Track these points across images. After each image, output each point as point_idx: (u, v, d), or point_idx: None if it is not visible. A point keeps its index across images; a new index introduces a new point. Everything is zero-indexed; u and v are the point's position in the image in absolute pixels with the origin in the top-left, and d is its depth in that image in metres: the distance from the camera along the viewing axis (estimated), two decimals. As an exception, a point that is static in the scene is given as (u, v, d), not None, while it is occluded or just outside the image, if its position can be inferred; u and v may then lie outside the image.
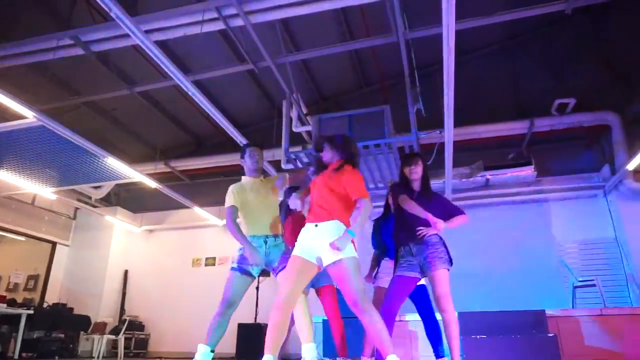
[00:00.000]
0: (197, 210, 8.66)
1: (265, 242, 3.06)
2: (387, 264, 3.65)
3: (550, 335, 4.77)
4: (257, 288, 7.75)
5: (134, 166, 6.88)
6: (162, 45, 5.53)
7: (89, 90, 7.44)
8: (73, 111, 7.72)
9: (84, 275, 9.25)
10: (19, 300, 8.10)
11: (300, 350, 3.07)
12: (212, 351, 2.87)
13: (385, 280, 3.50)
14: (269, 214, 3.18)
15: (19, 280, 9.11)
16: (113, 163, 6.36)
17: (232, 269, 3.00)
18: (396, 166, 6.31)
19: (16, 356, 6.97)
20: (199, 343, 2.87)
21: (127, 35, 4.67)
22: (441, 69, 4.23)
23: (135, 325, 8.74)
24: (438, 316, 3.16)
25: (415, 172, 3.25)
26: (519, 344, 4.72)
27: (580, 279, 6.49)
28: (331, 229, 2.60)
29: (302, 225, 3.41)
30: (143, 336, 8.86)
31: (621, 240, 6.98)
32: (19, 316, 7.12)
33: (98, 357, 7.54)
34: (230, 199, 3.10)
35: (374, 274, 3.74)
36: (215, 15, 4.97)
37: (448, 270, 2.99)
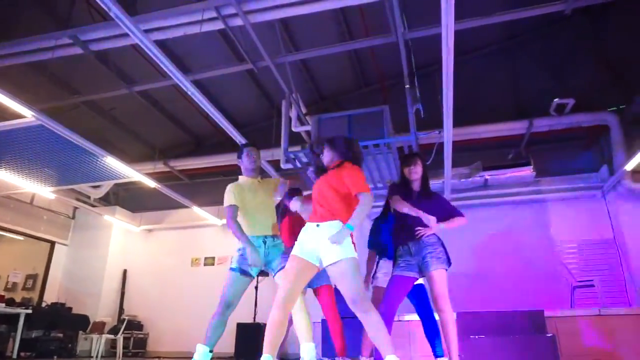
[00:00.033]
0: (196, 209, 8.65)
1: (265, 243, 3.06)
2: (385, 264, 3.66)
3: (549, 335, 4.77)
4: (256, 288, 7.74)
5: (133, 166, 6.87)
6: (162, 44, 5.53)
7: (88, 90, 7.43)
8: (72, 110, 7.70)
9: (82, 274, 9.24)
10: (18, 300, 8.09)
11: (299, 350, 3.07)
12: (211, 351, 2.87)
13: (383, 280, 3.51)
14: (268, 214, 3.18)
15: (17, 279, 9.10)
16: (112, 162, 6.36)
17: (231, 269, 3.00)
18: (395, 166, 6.31)
19: (15, 356, 6.96)
20: (198, 343, 2.87)
21: (126, 35, 4.67)
22: (440, 69, 4.24)
23: (134, 325, 8.73)
24: (437, 316, 3.16)
25: (415, 172, 3.25)
26: (517, 344, 4.72)
27: (579, 280, 6.50)
28: (332, 229, 2.60)
29: (300, 226, 3.42)
30: (142, 336, 8.85)
31: (619, 241, 6.99)
32: (17, 316, 7.11)
33: (97, 356, 7.54)
34: (229, 198, 3.08)
35: (371, 274, 3.75)
36: (214, 14, 4.96)
37: (446, 270, 3.00)
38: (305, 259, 2.64)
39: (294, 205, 2.81)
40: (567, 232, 7.36)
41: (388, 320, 2.86)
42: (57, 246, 9.41)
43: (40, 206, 9.00)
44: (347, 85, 8.74)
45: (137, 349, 8.62)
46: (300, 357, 3.08)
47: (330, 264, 2.54)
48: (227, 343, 7.24)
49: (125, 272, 9.67)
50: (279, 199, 3.74)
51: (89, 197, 9.28)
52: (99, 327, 7.93)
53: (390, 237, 3.56)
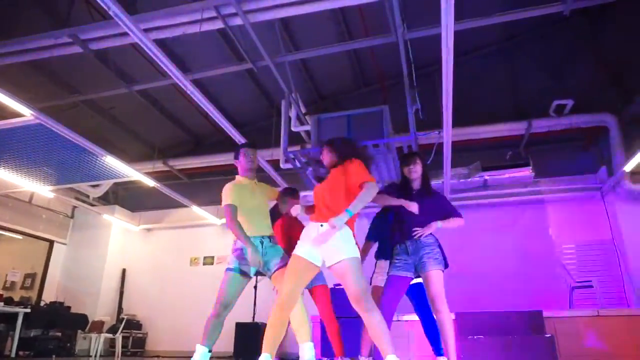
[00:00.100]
0: (196, 209, 8.65)
1: (262, 243, 3.06)
2: (383, 264, 3.66)
3: (548, 336, 4.78)
4: (255, 287, 7.75)
5: (132, 165, 6.86)
6: (161, 43, 5.52)
7: (87, 89, 7.43)
8: (71, 109, 7.70)
9: (81, 273, 9.24)
10: (16, 299, 8.07)
11: (297, 350, 3.07)
12: (210, 351, 2.87)
13: (382, 280, 3.51)
14: (264, 215, 3.19)
15: (16, 278, 9.08)
16: (111, 162, 6.35)
17: (229, 269, 2.98)
18: (395, 167, 6.31)
19: (13, 355, 6.96)
20: (197, 343, 2.87)
21: (125, 34, 4.66)
22: (440, 69, 4.24)
23: (133, 324, 8.73)
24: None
25: (415, 171, 3.26)
26: (516, 345, 4.73)
27: (578, 280, 6.51)
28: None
29: (293, 227, 3.43)
30: (140, 335, 8.85)
31: (618, 242, 7.00)
32: (16, 315, 7.11)
33: (95, 355, 7.53)
34: (228, 197, 3.07)
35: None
36: (214, 14, 4.96)
37: (443, 271, 3.00)
38: (307, 259, 2.64)
39: (295, 210, 2.80)
40: (566, 233, 7.38)
41: (387, 320, 2.86)
42: (56, 245, 9.40)
43: (39, 205, 8.99)
44: (346, 85, 8.75)
45: (135, 348, 8.62)
46: (299, 357, 3.08)
47: (334, 264, 2.55)
48: (226, 342, 7.24)
49: (124, 271, 9.66)
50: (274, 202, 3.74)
51: (88, 196, 9.28)
52: (98, 326, 7.92)
53: (386, 234, 3.58)
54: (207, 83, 7.48)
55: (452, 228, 3.19)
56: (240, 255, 2.97)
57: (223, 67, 6.83)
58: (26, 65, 6.29)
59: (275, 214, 3.83)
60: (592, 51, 7.50)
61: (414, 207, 3.08)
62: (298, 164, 6.53)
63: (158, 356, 8.36)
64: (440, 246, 3.09)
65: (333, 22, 6.81)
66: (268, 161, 7.08)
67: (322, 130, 6.14)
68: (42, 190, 7.63)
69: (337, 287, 5.98)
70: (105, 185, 8.77)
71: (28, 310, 7.36)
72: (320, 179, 2.97)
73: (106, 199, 9.98)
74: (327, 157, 2.93)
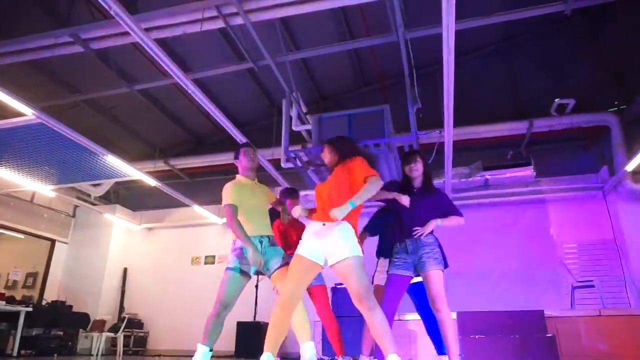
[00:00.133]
0: (197, 208, 8.66)
1: (261, 243, 3.06)
2: (384, 263, 3.66)
3: (549, 335, 4.78)
4: (257, 286, 7.76)
5: (133, 164, 6.88)
6: (162, 43, 5.51)
7: (88, 88, 7.44)
8: (72, 109, 7.71)
9: (83, 272, 9.25)
10: (18, 298, 8.10)
11: (298, 349, 3.07)
12: (211, 350, 2.88)
13: (382, 278, 3.51)
14: (264, 215, 3.18)
15: (17, 277, 9.11)
16: (112, 161, 6.36)
17: (229, 269, 2.97)
18: (396, 166, 6.31)
19: (15, 353, 6.97)
20: (198, 342, 2.87)
21: (126, 33, 4.67)
22: (441, 68, 4.23)
23: (134, 323, 8.75)
24: None
25: (416, 170, 3.26)
26: (517, 344, 4.73)
27: (579, 280, 6.50)
28: (339, 228, 2.62)
29: (291, 228, 3.43)
30: (142, 334, 8.87)
31: (620, 242, 6.99)
32: (17, 313, 7.12)
33: (97, 354, 7.55)
34: (228, 196, 3.06)
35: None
36: (215, 13, 4.97)
37: (442, 270, 2.99)
38: (309, 258, 2.65)
39: (296, 211, 2.79)
40: (567, 233, 7.37)
41: (388, 319, 2.87)
42: (57, 244, 9.42)
43: (41, 204, 9.01)
44: (347, 84, 8.74)
45: (137, 347, 8.64)
46: (300, 357, 3.08)
47: (337, 262, 2.56)
48: (228, 342, 7.27)
49: (125, 270, 9.68)
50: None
51: (89, 196, 9.29)
52: (99, 325, 7.94)
53: (386, 231, 3.59)
54: (208, 82, 7.49)
55: (453, 227, 3.18)
56: (240, 255, 2.97)
57: (224, 66, 6.83)
58: (27, 65, 6.30)
59: (273, 213, 3.83)
60: (593, 50, 7.49)
61: (405, 200, 3.08)
62: (299, 163, 6.53)
63: (159, 355, 8.37)
64: (440, 246, 3.09)
65: (334, 22, 6.80)
66: (269, 160, 7.09)
67: (323, 129, 6.14)
68: (43, 189, 7.65)
69: (338, 286, 6.00)
70: (107, 184, 8.77)
71: (30, 309, 7.38)
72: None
73: (107, 198, 9.99)
74: (327, 156, 2.93)
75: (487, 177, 7.23)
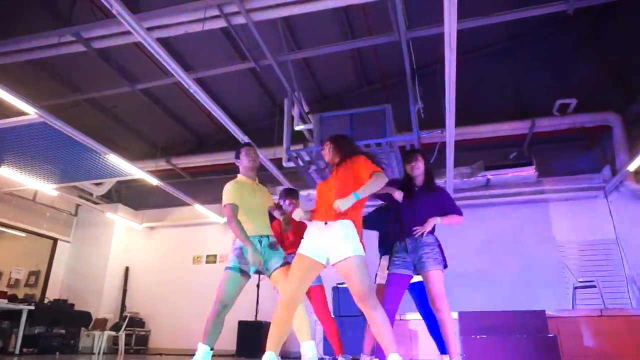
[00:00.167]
0: (198, 207, 8.67)
1: (260, 242, 3.06)
2: (385, 261, 3.66)
3: (550, 335, 4.77)
4: (258, 286, 7.76)
5: (135, 163, 6.88)
6: (164, 42, 5.53)
7: (90, 87, 7.45)
8: (74, 108, 7.73)
9: (85, 271, 9.27)
10: (20, 296, 8.11)
11: (299, 349, 3.08)
12: (212, 349, 2.88)
13: (384, 277, 3.51)
14: (263, 214, 3.18)
15: (20, 276, 9.13)
16: (114, 160, 6.37)
17: (228, 268, 2.98)
18: (397, 165, 6.31)
19: (17, 351, 7.00)
20: (199, 341, 2.87)
21: (128, 32, 4.67)
22: (442, 68, 4.23)
23: (136, 322, 8.77)
24: None
25: (417, 168, 3.26)
26: (518, 344, 4.72)
27: (580, 280, 6.49)
28: (342, 227, 2.63)
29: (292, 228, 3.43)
30: (144, 333, 8.89)
31: (621, 241, 6.98)
32: (20, 312, 7.15)
33: (99, 353, 7.58)
34: (229, 196, 3.06)
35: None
36: (217, 12, 4.97)
37: (442, 270, 2.99)
38: (312, 257, 2.65)
39: (297, 215, 2.78)
40: (569, 232, 7.35)
41: (390, 318, 2.87)
42: (59, 243, 9.44)
43: (43, 203, 9.03)
44: (349, 84, 8.74)
45: (139, 345, 8.66)
46: (300, 356, 3.09)
47: (339, 261, 2.57)
48: (229, 341, 7.28)
49: (127, 269, 9.70)
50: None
51: (91, 195, 9.32)
52: (101, 324, 7.97)
53: (383, 225, 3.60)
54: (209, 82, 7.49)
55: (454, 226, 3.18)
56: (240, 254, 2.98)
57: (226, 65, 6.84)
58: (29, 64, 6.32)
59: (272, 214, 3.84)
60: (595, 50, 7.47)
61: (398, 195, 3.10)
62: (300, 163, 6.54)
63: (161, 354, 8.39)
64: (440, 246, 3.08)
65: (336, 21, 6.80)
66: (270, 160, 7.09)
67: (324, 129, 6.14)
68: (45, 188, 7.67)
69: (339, 285, 6.01)
70: (109, 183, 8.79)
71: (32, 307, 7.41)
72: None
73: (109, 197, 10.01)
74: (328, 154, 2.93)
75: (489, 177, 7.22)
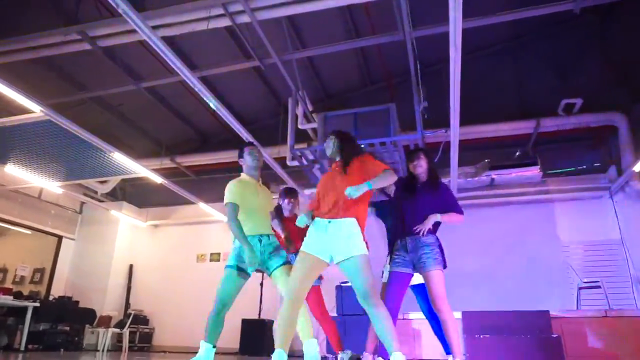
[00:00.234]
0: (202, 206, 8.69)
1: (260, 241, 3.06)
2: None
3: (555, 336, 4.76)
4: (261, 284, 7.78)
5: (139, 161, 6.91)
6: (168, 41, 5.54)
7: (95, 85, 7.49)
8: (79, 106, 7.77)
9: (89, 269, 9.32)
10: (25, 293, 8.17)
11: (301, 347, 3.08)
12: (214, 347, 2.89)
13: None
14: (265, 214, 3.19)
15: (25, 273, 9.18)
16: (119, 158, 6.40)
17: (228, 266, 2.98)
18: (401, 164, 6.30)
19: (22, 348, 7.04)
20: (201, 339, 2.89)
21: (134, 31, 4.69)
22: (446, 67, 4.22)
23: (140, 319, 8.80)
24: None
25: (420, 166, 3.27)
26: (522, 344, 4.71)
27: (585, 280, 6.46)
28: (346, 226, 2.64)
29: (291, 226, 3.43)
30: (147, 330, 8.93)
31: (627, 242, 6.94)
32: (25, 309, 7.20)
33: (103, 350, 7.61)
34: (231, 195, 3.07)
35: None
36: (221, 11, 4.98)
37: (442, 270, 2.99)
38: (315, 255, 2.66)
39: (301, 222, 2.76)
40: (573, 233, 7.32)
41: (392, 316, 2.87)
42: (64, 240, 9.49)
43: (48, 201, 9.08)
44: (353, 83, 8.73)
45: (142, 343, 8.69)
46: (303, 354, 3.09)
47: (342, 260, 2.58)
48: (232, 339, 7.30)
49: (131, 267, 9.74)
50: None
51: (96, 192, 9.35)
52: (106, 321, 8.00)
53: (388, 220, 3.61)
54: (214, 80, 7.51)
55: (454, 224, 3.17)
56: (239, 254, 2.99)
57: (230, 64, 6.84)
58: (35, 62, 6.34)
59: (278, 211, 3.85)
60: (600, 50, 7.43)
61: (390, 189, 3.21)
62: (304, 162, 6.54)
63: (165, 351, 8.42)
64: (440, 246, 3.08)
65: (340, 20, 6.80)
66: (275, 159, 7.09)
67: (328, 128, 6.14)
68: (50, 185, 7.71)
69: (343, 284, 6.01)
70: (113, 181, 8.83)
71: (37, 304, 7.45)
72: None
73: (114, 195, 10.05)
74: (331, 147, 2.94)
75: (493, 176, 7.20)
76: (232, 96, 8.19)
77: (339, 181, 2.76)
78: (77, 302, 8.62)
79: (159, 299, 9.22)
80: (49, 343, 7.62)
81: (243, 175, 3.30)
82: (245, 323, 7.41)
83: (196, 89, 5.03)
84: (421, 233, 3.00)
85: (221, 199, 3.11)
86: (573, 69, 7.52)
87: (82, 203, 9.84)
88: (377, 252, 3.73)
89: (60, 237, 9.42)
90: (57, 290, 8.99)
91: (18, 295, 7.55)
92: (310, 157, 6.50)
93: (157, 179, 7.45)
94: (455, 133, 5.39)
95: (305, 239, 2.77)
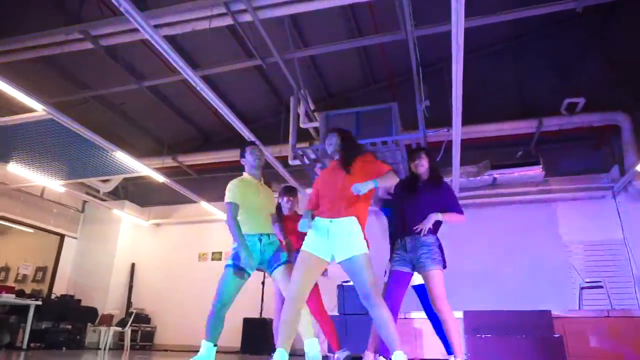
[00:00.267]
0: (204, 205, 8.70)
1: (260, 240, 3.06)
2: None
3: (556, 336, 4.75)
4: (263, 283, 7.78)
5: (141, 160, 6.92)
6: (171, 40, 5.55)
7: (97, 84, 7.49)
8: (82, 105, 7.77)
9: (91, 267, 9.34)
10: (28, 292, 8.20)
11: (302, 346, 3.08)
12: (215, 345, 2.89)
13: None
14: (265, 214, 3.19)
15: (27, 271, 9.22)
16: (121, 157, 6.41)
17: (228, 266, 2.98)
18: (403, 163, 6.29)
19: (24, 346, 7.06)
20: (202, 339, 2.89)
21: (136, 30, 4.69)
22: (448, 66, 4.21)
23: (142, 318, 8.82)
24: None
25: (421, 166, 3.27)
26: (524, 344, 4.70)
27: (587, 280, 6.45)
28: (347, 225, 2.64)
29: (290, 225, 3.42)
30: (149, 329, 8.94)
31: (629, 242, 6.92)
32: (27, 307, 7.22)
33: (104, 348, 7.63)
34: (231, 194, 3.07)
35: None
36: (223, 10, 4.97)
37: (442, 271, 2.98)
38: (316, 255, 2.66)
39: (304, 225, 2.75)
40: (575, 233, 7.30)
41: (393, 315, 2.87)
42: (66, 239, 9.51)
43: (50, 199, 9.10)
44: (355, 82, 8.72)
45: (144, 341, 8.71)
46: (304, 353, 3.09)
47: (344, 259, 2.59)
48: (234, 338, 7.31)
49: (133, 265, 9.75)
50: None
51: (98, 191, 9.38)
52: (107, 320, 8.02)
53: (391, 217, 3.60)
54: (216, 79, 7.50)
55: (454, 224, 3.16)
56: (238, 253, 2.98)
57: (232, 63, 6.84)
58: (37, 61, 6.35)
59: (278, 210, 3.85)
60: (602, 49, 7.41)
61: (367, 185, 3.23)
62: (306, 161, 6.54)
63: (166, 350, 8.44)
64: (440, 246, 3.07)
65: (342, 19, 6.79)
66: (276, 158, 7.10)
67: (330, 127, 6.13)
68: (53, 184, 7.73)
69: (344, 283, 6.01)
70: (115, 180, 8.85)
71: (39, 302, 7.48)
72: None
73: (116, 194, 10.07)
74: (334, 145, 2.93)
75: (495, 175, 7.19)
76: (234, 95, 8.18)
77: (340, 180, 2.75)
78: (79, 300, 8.64)
79: (160, 298, 9.24)
80: (51, 341, 7.64)
81: (245, 175, 3.30)
82: (247, 322, 7.41)
83: (198, 88, 5.03)
84: (421, 232, 2.99)
85: (223, 198, 3.11)
86: (574, 68, 7.50)
87: (85, 202, 9.86)
88: (378, 252, 3.74)
89: (62, 236, 9.45)
90: (59, 288, 9.01)
91: (20, 294, 7.58)
92: (312, 156, 6.49)
93: (159, 178, 7.46)
94: (457, 132, 5.38)
95: (305, 238, 2.77)
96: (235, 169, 3.84)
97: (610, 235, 7.09)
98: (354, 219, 2.66)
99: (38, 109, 5.00)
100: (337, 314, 5.96)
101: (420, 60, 5.56)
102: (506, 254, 7.31)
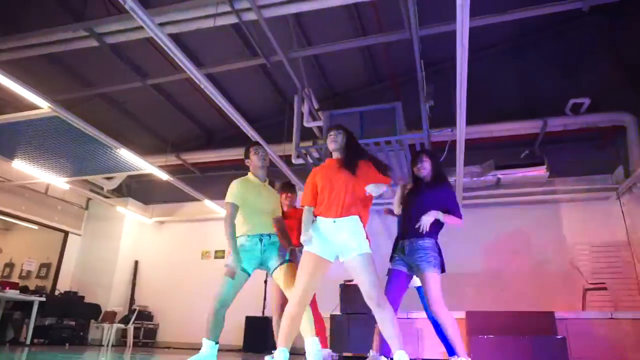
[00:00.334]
0: (208, 203, 8.72)
1: (261, 241, 3.06)
2: None
3: (559, 337, 4.74)
4: (265, 282, 7.79)
5: (145, 158, 6.93)
6: (175, 38, 5.56)
7: (102, 82, 7.52)
8: (86, 102, 7.80)
9: (95, 264, 9.38)
10: (32, 288, 8.24)
11: (303, 345, 3.08)
12: (217, 343, 2.90)
13: None
14: (267, 215, 3.18)
15: (31, 268, 9.26)
16: (125, 154, 6.43)
17: (228, 266, 2.99)
18: (407, 164, 6.28)
19: (28, 342, 7.11)
20: (203, 337, 2.89)
21: (140, 28, 4.70)
22: (453, 66, 4.19)
23: (145, 315, 8.85)
24: None
25: (424, 169, 3.28)
26: (527, 345, 4.69)
27: (591, 282, 6.42)
28: (350, 224, 2.66)
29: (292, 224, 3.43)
30: (152, 326, 8.97)
31: (634, 244, 6.88)
32: (31, 303, 7.26)
33: (107, 345, 7.66)
34: (232, 195, 3.07)
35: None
36: (228, 8, 4.98)
37: (438, 274, 2.97)
38: (320, 255, 2.66)
39: (306, 237, 2.76)
40: (580, 234, 7.26)
41: (393, 313, 2.89)
42: (70, 236, 9.55)
43: (55, 196, 9.14)
44: (359, 81, 8.71)
45: (147, 339, 8.74)
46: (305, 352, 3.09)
47: (347, 259, 2.61)
48: (236, 336, 7.32)
49: (136, 263, 9.79)
50: None
51: (102, 188, 9.42)
52: (110, 317, 8.06)
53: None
54: (220, 78, 7.51)
55: (454, 227, 3.16)
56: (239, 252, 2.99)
57: (236, 62, 6.85)
58: (42, 59, 6.38)
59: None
60: (608, 49, 7.36)
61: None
62: (310, 160, 6.54)
63: (169, 347, 8.46)
64: (438, 250, 3.07)
65: (346, 18, 6.78)
66: (280, 156, 7.10)
67: (335, 123, 6.12)
68: (57, 181, 7.76)
69: (347, 283, 6.01)
70: (119, 177, 8.88)
71: (43, 299, 7.52)
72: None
73: (120, 192, 10.11)
74: (337, 142, 2.92)
75: (500, 176, 7.16)
76: (237, 93, 8.19)
77: (344, 180, 2.75)
78: (83, 297, 8.68)
79: (163, 295, 9.26)
80: (54, 337, 7.69)
81: (249, 175, 3.30)
82: (249, 320, 7.43)
83: (202, 86, 5.04)
84: (422, 229, 2.98)
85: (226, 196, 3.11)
86: (580, 68, 7.45)
87: (89, 199, 9.90)
88: (380, 252, 3.74)
89: (66, 233, 9.49)
90: (63, 285, 9.05)
91: (24, 290, 7.62)
92: (316, 155, 6.49)
93: (163, 176, 7.48)
94: (461, 132, 5.35)
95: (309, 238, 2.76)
96: (239, 167, 3.85)
97: (614, 237, 7.05)
98: (357, 218, 2.69)
99: (43, 106, 5.02)
100: (339, 313, 5.96)
101: (425, 60, 5.55)
102: (510, 254, 7.28)
